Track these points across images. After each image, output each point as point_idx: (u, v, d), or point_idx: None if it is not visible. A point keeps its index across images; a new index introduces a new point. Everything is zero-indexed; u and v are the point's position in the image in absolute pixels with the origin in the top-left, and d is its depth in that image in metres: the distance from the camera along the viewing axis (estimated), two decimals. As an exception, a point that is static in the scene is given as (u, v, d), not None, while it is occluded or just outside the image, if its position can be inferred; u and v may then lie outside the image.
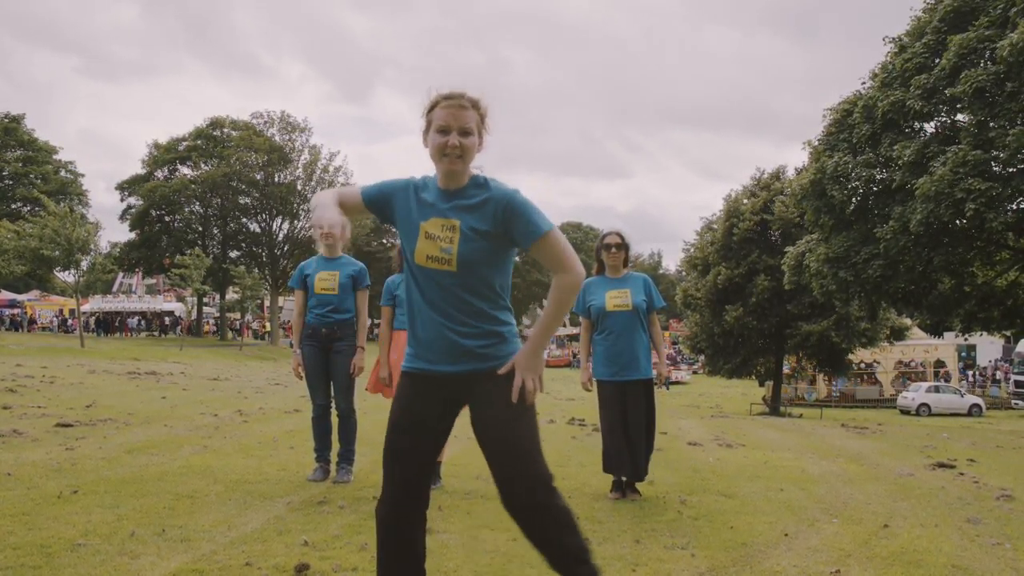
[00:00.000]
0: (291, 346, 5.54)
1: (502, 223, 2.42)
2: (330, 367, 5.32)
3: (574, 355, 52.39)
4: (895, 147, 16.90)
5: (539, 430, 2.50)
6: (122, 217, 53.75)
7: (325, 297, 5.29)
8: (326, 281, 5.30)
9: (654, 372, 5.23)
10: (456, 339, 2.44)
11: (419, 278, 2.49)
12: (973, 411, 31.65)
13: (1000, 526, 4.54)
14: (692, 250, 32.06)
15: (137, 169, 55.30)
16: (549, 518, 2.40)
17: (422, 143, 2.52)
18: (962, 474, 6.88)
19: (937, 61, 16.69)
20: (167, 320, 52.92)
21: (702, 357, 32.67)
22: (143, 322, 52.27)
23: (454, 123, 2.42)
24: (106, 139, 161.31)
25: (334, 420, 5.44)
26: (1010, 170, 15.53)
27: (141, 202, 51.74)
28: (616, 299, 5.15)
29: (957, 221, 16.39)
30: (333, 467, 5.39)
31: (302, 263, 5.56)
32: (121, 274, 57.36)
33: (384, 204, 2.60)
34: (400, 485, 2.48)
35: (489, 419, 2.44)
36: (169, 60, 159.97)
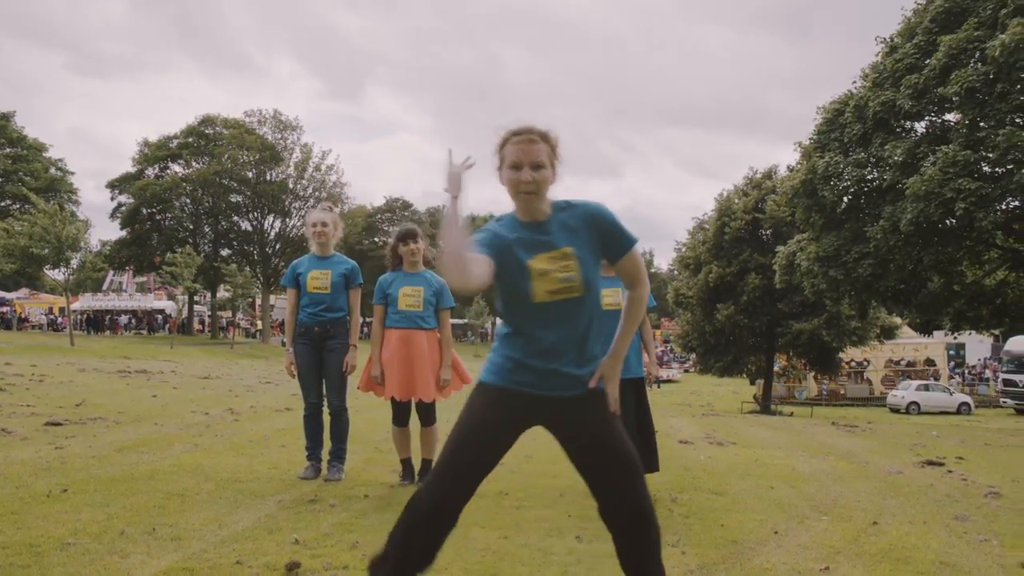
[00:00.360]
0: (283, 344, 5.55)
1: (598, 237, 2.46)
2: (323, 365, 5.30)
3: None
4: (886, 147, 16.99)
5: None
6: (112, 215, 53.51)
7: (317, 296, 5.26)
8: (318, 280, 5.27)
9: (644, 371, 5.25)
10: (573, 370, 2.46)
11: (537, 315, 2.45)
12: (962, 409, 31.85)
13: (988, 523, 4.58)
14: (684, 249, 32.19)
15: (127, 167, 55.10)
16: (654, 526, 2.49)
17: (498, 180, 2.50)
18: (951, 472, 6.93)
19: (928, 61, 16.79)
20: (159, 318, 52.70)
21: (693, 355, 32.80)
22: (133, 320, 52.04)
23: (525, 159, 2.42)
24: (96, 137, 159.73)
25: (326, 418, 5.43)
26: (999, 170, 15.63)
27: (132, 200, 51.50)
28: (608, 298, 5.15)
29: (947, 220, 16.50)
30: (324, 465, 5.39)
31: (294, 261, 5.53)
32: (111, 272, 57.15)
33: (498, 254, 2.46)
34: (453, 489, 2.49)
35: (598, 437, 2.48)
36: (160, 58, 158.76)
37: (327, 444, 5.41)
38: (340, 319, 5.32)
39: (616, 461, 2.48)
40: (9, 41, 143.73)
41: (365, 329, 31.77)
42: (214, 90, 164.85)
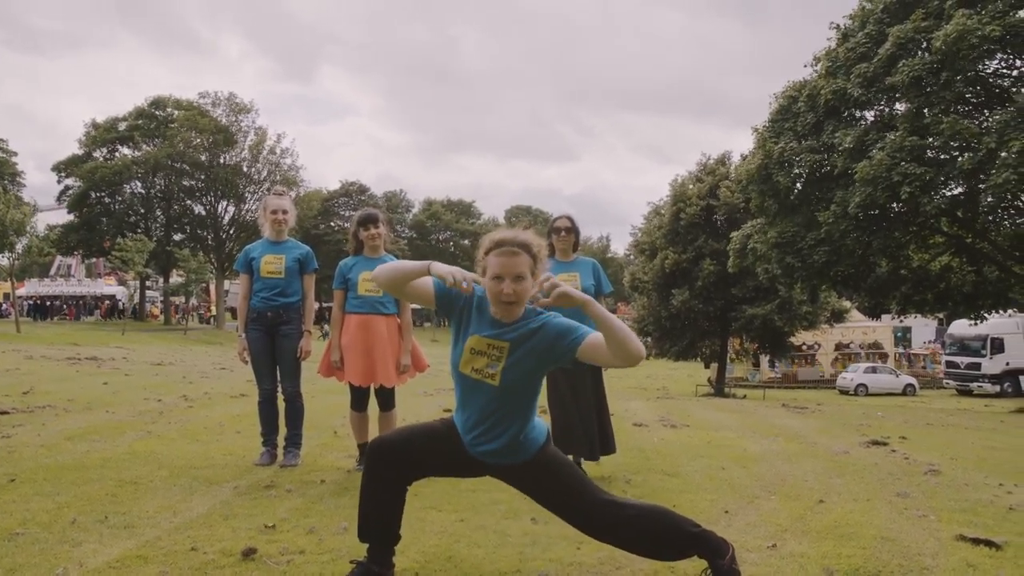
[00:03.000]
0: (237, 330, 5.50)
1: (550, 354, 2.74)
2: (276, 351, 5.29)
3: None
4: (836, 134, 17.35)
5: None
6: (59, 199, 52.07)
7: (271, 281, 5.24)
8: (272, 264, 5.25)
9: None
10: (484, 444, 2.84)
11: (458, 379, 2.85)
12: (907, 390, 32.84)
13: (927, 499, 4.76)
14: (640, 234, 32.50)
15: (72, 149, 53.62)
16: (633, 529, 2.77)
17: (481, 277, 2.77)
18: (894, 451, 7.16)
19: (878, 51, 17.15)
20: (107, 303, 51.56)
21: (649, 340, 33.20)
22: (84, 306, 50.88)
23: (507, 272, 2.65)
24: (34, 116, 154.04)
25: (281, 405, 5.41)
26: (943, 156, 16.07)
27: (80, 184, 50.15)
28: (565, 283, 5.21)
29: (894, 205, 16.93)
30: (280, 451, 5.37)
31: (247, 246, 5.50)
32: (59, 257, 55.68)
33: (449, 304, 2.84)
34: (405, 454, 2.84)
35: (539, 493, 2.91)
36: (99, 34, 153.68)
37: (283, 430, 5.40)
38: (293, 304, 5.30)
39: (564, 507, 2.83)
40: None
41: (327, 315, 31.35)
42: (158, 68, 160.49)
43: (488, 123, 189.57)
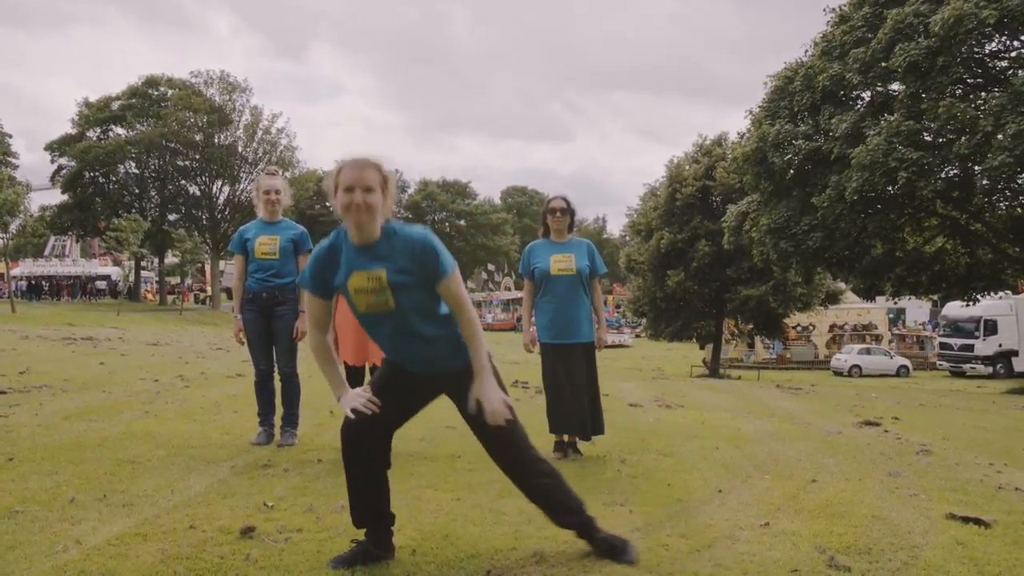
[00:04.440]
0: (233, 311, 5.50)
1: (418, 264, 2.76)
2: (272, 331, 5.30)
3: (518, 319, 52.70)
4: (832, 119, 17.30)
5: None
6: (53, 178, 51.76)
7: (266, 262, 5.22)
8: (266, 245, 5.23)
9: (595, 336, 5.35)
10: (417, 366, 2.97)
11: (366, 323, 2.95)
12: (901, 372, 33.01)
13: (918, 479, 4.81)
14: (635, 215, 32.44)
15: (61, 127, 53.35)
16: (533, 472, 3.02)
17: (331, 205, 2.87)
18: (887, 431, 7.22)
19: (875, 35, 17.07)
20: (103, 284, 51.45)
21: (644, 320, 33.25)
22: (79, 285, 50.79)
23: (357, 182, 2.72)
24: (20, 94, 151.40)
25: (277, 384, 5.43)
26: (940, 140, 16.05)
27: (74, 163, 49.86)
28: (560, 263, 5.22)
29: (889, 188, 16.93)
30: (277, 431, 5.40)
31: (241, 227, 5.46)
32: (53, 238, 55.45)
33: (326, 272, 2.87)
34: (368, 422, 2.86)
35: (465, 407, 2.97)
36: (85, 10, 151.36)
37: (279, 410, 5.42)
38: (289, 285, 5.27)
39: (484, 430, 2.89)
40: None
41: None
42: (142, 44, 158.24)
43: (479, 103, 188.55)
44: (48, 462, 4.43)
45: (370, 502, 2.95)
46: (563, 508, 3.05)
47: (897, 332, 42.13)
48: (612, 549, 3.02)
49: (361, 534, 3.00)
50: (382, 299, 2.76)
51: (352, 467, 2.92)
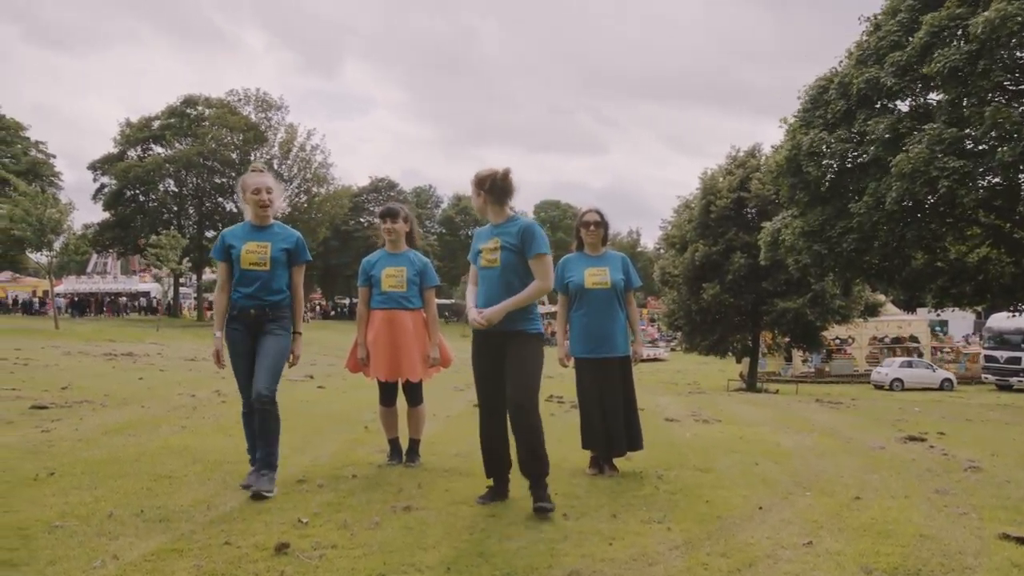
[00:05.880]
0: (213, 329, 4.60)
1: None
2: (257, 347, 4.40)
3: (551, 333, 52.51)
4: (869, 123, 17.03)
5: None
6: (95, 197, 53.03)
7: (254, 273, 4.38)
8: (255, 254, 4.39)
9: (631, 350, 5.28)
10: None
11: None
12: (944, 385, 32.20)
13: (967, 496, 4.65)
14: (669, 228, 32.22)
15: (100, 146, 54.80)
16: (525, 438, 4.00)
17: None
18: (932, 447, 7.02)
19: (911, 40, 16.80)
20: (142, 300, 52.46)
21: (679, 334, 32.90)
22: (128, 302, 51.95)
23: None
24: (59, 113, 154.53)
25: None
26: (982, 147, 15.70)
27: (115, 182, 51.03)
28: (595, 276, 5.18)
29: (929, 197, 16.58)
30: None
31: (224, 230, 4.60)
32: (95, 255, 56.70)
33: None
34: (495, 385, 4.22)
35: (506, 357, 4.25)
36: (117, 29, 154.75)
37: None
38: (280, 302, 4.44)
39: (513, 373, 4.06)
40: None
41: (340, 312, 31.51)
42: (177, 64, 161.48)
43: (509, 116, 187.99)
44: (88, 476, 4.47)
45: (499, 451, 4.23)
46: (535, 456, 3.95)
47: (935, 345, 41.16)
48: (540, 509, 3.87)
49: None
50: (493, 257, 4.20)
51: (484, 424, 4.22)
